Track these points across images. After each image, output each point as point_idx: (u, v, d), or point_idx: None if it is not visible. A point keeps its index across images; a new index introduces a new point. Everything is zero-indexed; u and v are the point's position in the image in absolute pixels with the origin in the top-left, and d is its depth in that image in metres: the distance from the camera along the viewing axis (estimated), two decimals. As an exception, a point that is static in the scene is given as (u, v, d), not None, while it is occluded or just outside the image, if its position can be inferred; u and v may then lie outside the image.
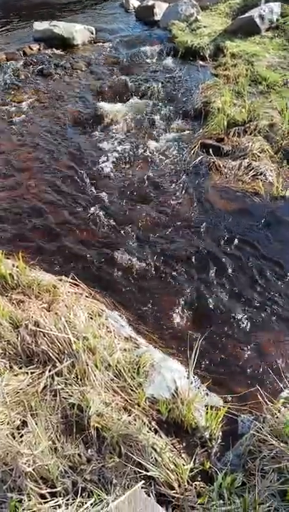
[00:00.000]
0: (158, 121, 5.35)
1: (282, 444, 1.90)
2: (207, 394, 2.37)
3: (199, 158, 4.58)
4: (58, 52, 7.21)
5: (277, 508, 1.76)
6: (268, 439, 1.97)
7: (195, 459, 2.05)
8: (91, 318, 2.71)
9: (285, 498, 1.77)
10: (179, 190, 4.13)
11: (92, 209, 3.84)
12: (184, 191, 4.12)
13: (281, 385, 2.25)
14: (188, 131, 5.19)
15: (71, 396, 2.20)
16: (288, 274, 3.17)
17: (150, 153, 4.71)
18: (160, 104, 5.72)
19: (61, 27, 7.40)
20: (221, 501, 1.79)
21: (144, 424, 2.12)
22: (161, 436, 2.11)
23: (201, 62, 7.02)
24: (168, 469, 1.91)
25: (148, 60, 7.03)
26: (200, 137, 4.99)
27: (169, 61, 6.99)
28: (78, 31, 7.43)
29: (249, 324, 2.79)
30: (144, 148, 4.76)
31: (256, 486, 1.84)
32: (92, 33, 7.65)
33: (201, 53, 7.06)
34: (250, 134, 4.91)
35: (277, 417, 2.05)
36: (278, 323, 2.79)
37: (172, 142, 4.94)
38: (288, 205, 3.97)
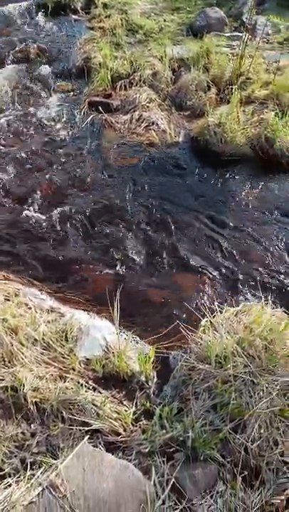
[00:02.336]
0: (40, 86, 5.02)
1: (207, 366, 2.08)
2: (137, 342, 2.46)
3: (90, 118, 4.45)
4: None
5: (212, 420, 1.96)
6: (196, 366, 2.14)
7: (136, 403, 2.15)
8: (7, 300, 2.59)
9: (217, 410, 1.97)
10: (75, 153, 4.00)
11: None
12: (80, 153, 4.00)
13: (200, 316, 2.42)
14: (73, 91, 4.97)
15: (2, 380, 2.13)
16: (194, 217, 3.33)
17: (38, 120, 4.45)
18: (39, 66, 5.34)
19: None
20: (164, 431, 1.93)
21: (82, 385, 2.15)
22: (100, 392, 2.17)
23: (74, 16, 6.64)
24: (111, 418, 1.98)
25: (17, 20, 6.43)
26: (87, 96, 4.82)
27: (40, 18, 6.49)
28: None
29: (164, 270, 2.91)
30: (31, 116, 4.47)
31: (192, 408, 2.02)
32: None
33: (72, 6, 6.66)
34: (136, 85, 4.88)
35: (200, 344, 2.22)
36: (190, 265, 2.94)
37: (59, 105, 4.71)
38: (182, 150, 4.09)
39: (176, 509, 1.67)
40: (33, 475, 1.75)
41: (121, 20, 6.21)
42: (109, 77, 4.95)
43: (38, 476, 1.69)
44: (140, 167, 3.87)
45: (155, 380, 2.29)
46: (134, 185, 3.62)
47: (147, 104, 4.59)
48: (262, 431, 1.91)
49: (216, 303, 2.52)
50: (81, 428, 1.93)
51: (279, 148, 3.90)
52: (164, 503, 1.69)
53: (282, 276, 2.87)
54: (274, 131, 3.92)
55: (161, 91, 4.84)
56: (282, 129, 3.94)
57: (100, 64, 5.12)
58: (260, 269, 2.92)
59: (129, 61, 5.17)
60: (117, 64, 5.18)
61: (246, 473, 1.86)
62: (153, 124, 4.39)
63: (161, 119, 4.44)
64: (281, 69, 4.97)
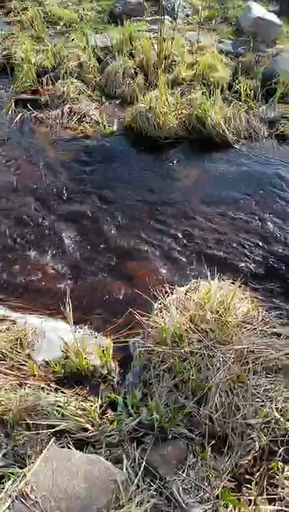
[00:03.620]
0: None
1: (164, 347, 2.12)
2: (95, 336, 2.45)
3: (19, 116, 4.29)
4: None
5: (176, 398, 2.01)
6: (154, 349, 2.17)
7: (101, 396, 2.15)
8: None
9: (179, 388, 2.02)
10: (8, 155, 3.85)
11: None
12: (13, 154, 3.86)
13: (152, 301, 2.45)
14: (-3, 91, 4.76)
15: None
16: (136, 204, 3.34)
17: None
18: None
19: None
20: (131, 418, 1.95)
21: (43, 389, 2.11)
22: (63, 392, 2.14)
23: (-13, 12, 6.32)
24: (76, 416, 1.97)
25: None
26: (13, 94, 4.63)
27: None
28: None
29: (111, 260, 2.90)
30: None
31: (155, 391, 2.05)
32: None
33: (-16, 1, 6.34)
34: (63, 78, 4.76)
35: (156, 327, 2.26)
36: (136, 251, 2.95)
37: (-16, 107, 4.49)
38: (118, 139, 4.07)
39: (150, 490, 1.70)
40: (3, 488, 1.71)
41: (38, 12, 5.99)
42: (34, 73, 4.79)
43: (7, 489, 1.65)
44: (77, 161, 3.80)
45: (118, 370, 2.29)
46: (73, 180, 3.56)
47: (76, 97, 4.50)
48: (223, 399, 1.98)
49: (166, 285, 2.56)
50: (47, 431, 1.90)
51: (211, 126, 3.99)
52: (138, 487, 1.71)
53: (225, 249, 2.96)
54: (204, 111, 3.99)
55: (89, 81, 4.76)
56: (212, 108, 4.03)
57: (22, 59, 4.93)
58: (204, 245, 2.99)
59: (52, 54, 5.03)
60: (40, 58, 5.03)
61: (214, 441, 1.93)
62: (85, 116, 4.32)
63: (93, 109, 4.38)
64: (203, 48, 5.06)
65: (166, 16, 5.95)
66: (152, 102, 4.02)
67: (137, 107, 4.11)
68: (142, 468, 1.75)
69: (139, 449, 1.87)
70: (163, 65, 4.42)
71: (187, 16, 6.17)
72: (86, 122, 4.22)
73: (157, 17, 5.85)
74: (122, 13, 5.83)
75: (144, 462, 1.77)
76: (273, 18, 5.38)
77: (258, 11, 5.41)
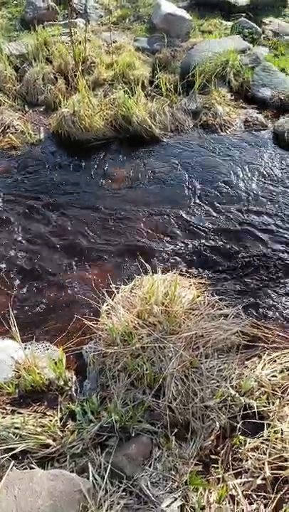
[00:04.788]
0: None
1: (115, 348, 2.12)
2: (47, 349, 2.39)
3: None
4: None
5: (134, 395, 2.02)
6: (106, 351, 2.16)
7: (60, 408, 2.11)
8: None
9: (136, 385, 2.03)
10: None
11: None
12: None
13: (99, 304, 2.43)
14: None
15: None
16: (69, 209, 3.30)
17: None
18: None
19: None
20: (92, 424, 1.93)
21: (-3, 413, 2.03)
22: (20, 412, 2.07)
23: None
24: (36, 434, 1.91)
25: None
26: None
27: None
28: None
29: (51, 269, 2.84)
30: None
31: (113, 392, 2.05)
32: None
33: None
34: (-21, 90, 4.56)
35: (106, 329, 2.25)
36: (77, 256, 2.92)
37: None
38: (46, 147, 4.00)
39: (119, 492, 1.70)
40: None
41: None
42: None
43: None
44: (6, 172, 3.67)
45: (74, 378, 2.26)
46: (3, 189, 3.45)
47: (-4, 108, 4.35)
48: (180, 387, 2.02)
49: (112, 285, 2.55)
50: (5, 456, 1.83)
51: (137, 123, 4.03)
52: (106, 491, 1.70)
53: (163, 242, 3.01)
54: (128, 109, 4.03)
55: (9, 91, 4.62)
56: (136, 105, 4.07)
57: None
58: (143, 240, 3.02)
59: None
60: None
61: (177, 430, 1.96)
62: (9, 127, 4.18)
63: (16, 120, 4.26)
64: (120, 48, 5.10)
65: (79, 19, 5.93)
66: (75, 105, 3.98)
67: (60, 112, 4.05)
68: (107, 472, 1.74)
69: (103, 453, 1.86)
70: (81, 68, 4.40)
71: (100, 16, 6.17)
72: (11, 133, 4.09)
73: (71, 20, 5.82)
74: (34, 18, 5.70)
75: (109, 465, 1.76)
76: (183, 13, 5.54)
77: (168, 7, 5.55)
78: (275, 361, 2.29)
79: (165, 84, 4.47)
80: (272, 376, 2.18)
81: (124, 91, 4.16)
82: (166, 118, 4.27)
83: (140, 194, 3.46)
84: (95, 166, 3.77)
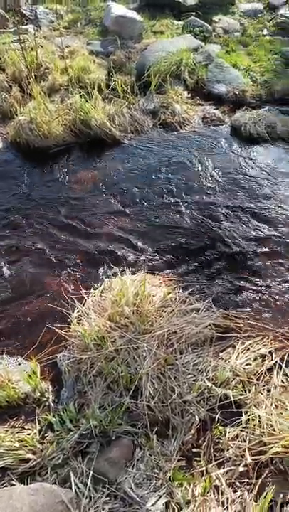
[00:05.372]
0: None
1: (89, 353, 2.10)
2: (19, 363, 2.34)
3: None
4: None
5: (112, 399, 2.01)
6: (80, 357, 2.14)
7: (39, 420, 2.07)
8: None
9: (113, 388, 2.02)
10: None
11: None
12: None
13: (70, 312, 2.40)
14: None
15: None
16: (33, 218, 3.25)
17: None
18: None
19: None
20: (71, 433, 1.91)
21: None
22: (-4, 430, 2.02)
23: None
24: (14, 450, 1.87)
25: None
26: None
27: None
28: None
29: (16, 279, 2.78)
30: None
31: (91, 398, 2.03)
32: None
33: None
34: None
35: (78, 336, 2.22)
36: (43, 264, 2.87)
37: None
38: (5, 157, 3.92)
39: (103, 497, 1.68)
40: None
41: None
42: None
43: None
44: None
45: (50, 389, 2.22)
46: None
47: None
48: (156, 385, 2.03)
49: (82, 291, 2.53)
50: (-15, 476, 1.78)
51: (96, 126, 4.02)
52: (90, 498, 1.69)
53: (130, 243, 3.01)
54: (86, 113, 4.01)
55: None
56: (94, 109, 4.06)
57: None
58: (110, 243, 3.01)
59: None
60: None
61: (157, 428, 1.97)
62: None
63: None
64: (74, 52, 5.08)
65: (30, 25, 5.85)
66: (32, 112, 3.92)
67: (17, 120, 3.98)
68: (90, 479, 1.72)
69: (85, 460, 1.84)
70: (35, 74, 4.35)
71: (51, 22, 6.12)
72: None
73: (22, 27, 5.74)
74: (-17, 27, 5.59)
75: (91, 472, 1.74)
76: (134, 15, 5.58)
77: (118, 10, 5.57)
78: (248, 349, 2.34)
79: (121, 86, 4.48)
80: (247, 364, 2.23)
81: (80, 95, 4.14)
82: (126, 119, 4.28)
83: (104, 197, 3.44)
84: (57, 173, 3.73)
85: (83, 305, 2.41)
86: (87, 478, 1.73)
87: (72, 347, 2.26)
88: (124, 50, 5.19)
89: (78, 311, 2.37)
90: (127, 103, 4.41)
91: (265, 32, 5.90)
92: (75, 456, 1.85)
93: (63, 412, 1.97)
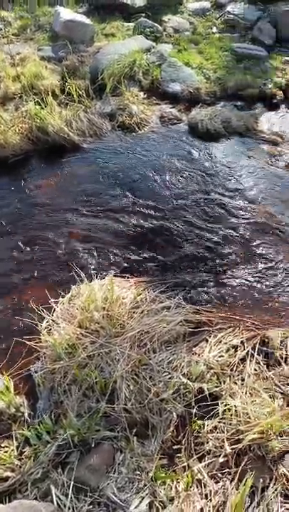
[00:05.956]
0: None
1: (62, 362, 2.07)
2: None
3: None
4: None
5: (88, 405, 1.99)
6: (53, 367, 2.11)
7: (15, 437, 2.02)
8: None
9: (88, 394, 2.00)
10: None
11: None
12: None
13: (39, 322, 2.36)
14: None
15: None
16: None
17: None
18: None
19: None
20: (49, 445, 1.88)
21: None
22: (-28, 452, 1.95)
23: None
24: (-9, 470, 1.82)
25: None
26: None
27: None
28: None
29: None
30: None
31: (67, 407, 2.00)
32: None
33: None
34: None
35: (49, 346, 2.19)
36: (13, 279, 2.80)
37: None
38: None
39: (86, 506, 1.67)
40: None
41: None
42: None
43: None
44: None
45: (26, 403, 2.17)
46: None
47: None
48: (132, 387, 2.03)
49: (51, 300, 2.49)
50: None
51: (54, 133, 3.97)
52: (73, 509, 1.67)
53: (97, 248, 2.99)
54: (42, 120, 3.95)
55: None
56: (50, 115, 4.01)
57: None
58: (76, 250, 2.98)
59: None
60: None
61: (136, 429, 1.97)
62: None
63: None
64: (25, 59, 4.99)
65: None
66: (-15, 123, 3.83)
67: (-29, 134, 3.88)
68: (71, 489, 1.70)
69: (65, 471, 1.81)
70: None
71: (0, 29, 5.99)
72: None
73: None
74: None
75: (71, 482, 1.72)
76: (83, 18, 5.54)
77: (67, 14, 5.52)
78: (220, 342, 2.38)
79: (76, 90, 4.45)
80: (220, 356, 2.27)
81: (35, 102, 4.08)
82: (83, 124, 4.25)
83: (67, 203, 3.41)
84: (17, 183, 3.65)
85: (52, 314, 2.38)
86: (69, 489, 1.71)
87: (44, 358, 2.23)
88: (76, 55, 5.14)
89: (47, 321, 2.33)
90: (83, 107, 4.38)
91: (214, 30, 6.02)
92: (55, 468, 1.83)
93: (39, 425, 1.94)
